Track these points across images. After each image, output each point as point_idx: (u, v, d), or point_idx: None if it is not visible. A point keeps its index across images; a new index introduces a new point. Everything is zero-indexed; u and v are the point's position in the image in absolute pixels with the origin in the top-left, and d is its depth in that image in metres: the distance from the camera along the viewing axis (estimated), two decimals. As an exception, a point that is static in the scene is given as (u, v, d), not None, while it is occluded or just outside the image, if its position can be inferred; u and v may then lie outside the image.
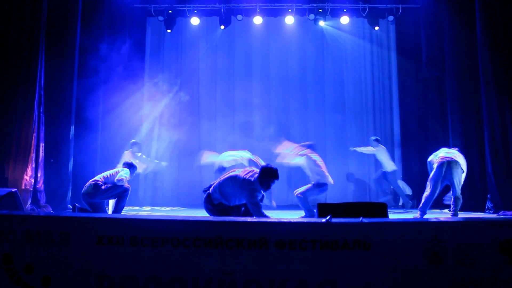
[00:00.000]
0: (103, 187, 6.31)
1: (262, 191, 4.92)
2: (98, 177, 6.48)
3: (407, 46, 10.61)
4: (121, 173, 6.46)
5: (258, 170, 4.97)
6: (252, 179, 4.84)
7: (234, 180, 4.90)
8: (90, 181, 6.50)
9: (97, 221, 3.11)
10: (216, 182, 5.07)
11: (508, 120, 7.65)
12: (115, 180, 6.37)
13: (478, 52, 8.20)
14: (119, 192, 6.42)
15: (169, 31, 10.88)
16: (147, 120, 10.85)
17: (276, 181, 4.90)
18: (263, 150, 9.32)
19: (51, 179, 8.03)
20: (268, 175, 4.83)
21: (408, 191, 9.90)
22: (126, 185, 6.50)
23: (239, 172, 5.00)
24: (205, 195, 5.09)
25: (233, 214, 4.91)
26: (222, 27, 10.79)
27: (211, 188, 5.06)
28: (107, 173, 6.53)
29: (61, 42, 8.33)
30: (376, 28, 10.67)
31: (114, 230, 2.97)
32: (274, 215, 5.08)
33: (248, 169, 5.21)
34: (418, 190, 10.15)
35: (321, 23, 10.68)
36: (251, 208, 4.76)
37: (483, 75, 8.00)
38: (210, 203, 4.95)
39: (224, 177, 5.01)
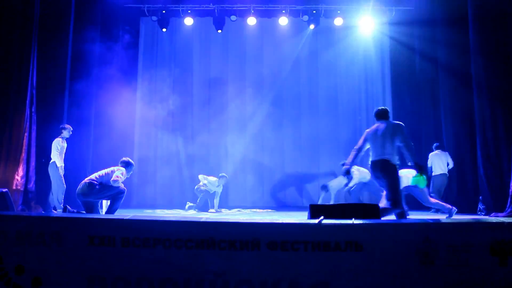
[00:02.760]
0: (97, 186, 6.15)
1: None
2: (93, 176, 6.30)
3: (401, 49, 10.64)
4: (117, 173, 6.23)
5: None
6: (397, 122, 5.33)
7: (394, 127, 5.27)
8: (85, 179, 6.34)
9: (88, 221, 3.09)
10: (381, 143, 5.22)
11: (499, 122, 7.68)
12: (110, 181, 6.17)
13: (470, 56, 8.24)
14: (114, 194, 6.22)
15: (164, 30, 10.80)
16: (140, 120, 10.82)
17: None
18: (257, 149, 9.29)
19: (43, 179, 7.93)
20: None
21: None
22: (122, 186, 6.29)
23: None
24: (375, 158, 5.13)
25: None
26: (219, 31, 10.75)
27: (384, 153, 5.14)
28: (102, 172, 6.34)
29: (54, 41, 8.26)
30: (370, 26, 10.68)
31: (105, 230, 2.95)
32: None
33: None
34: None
35: (312, 26, 10.68)
36: (409, 147, 5.20)
37: (476, 78, 8.05)
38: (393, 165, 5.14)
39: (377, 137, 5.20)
